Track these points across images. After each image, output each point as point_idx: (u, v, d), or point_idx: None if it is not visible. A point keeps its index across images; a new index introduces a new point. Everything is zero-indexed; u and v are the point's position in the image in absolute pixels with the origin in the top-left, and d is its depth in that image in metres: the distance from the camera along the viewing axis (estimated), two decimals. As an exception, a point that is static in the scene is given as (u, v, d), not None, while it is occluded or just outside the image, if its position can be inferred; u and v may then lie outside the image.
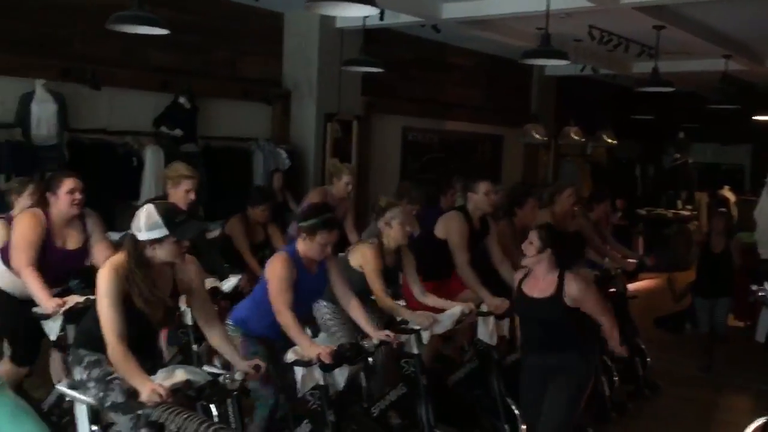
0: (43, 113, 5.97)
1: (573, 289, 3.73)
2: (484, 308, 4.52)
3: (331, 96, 8.20)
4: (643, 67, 9.60)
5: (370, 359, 3.87)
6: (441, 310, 4.25)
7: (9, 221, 4.16)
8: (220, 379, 3.04)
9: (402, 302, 4.41)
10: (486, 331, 4.52)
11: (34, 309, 3.66)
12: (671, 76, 8.47)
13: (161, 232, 2.93)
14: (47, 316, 3.61)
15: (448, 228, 4.87)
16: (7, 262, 3.91)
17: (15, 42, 6.09)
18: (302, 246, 3.68)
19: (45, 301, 3.57)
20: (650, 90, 8.55)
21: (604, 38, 8.10)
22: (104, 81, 6.41)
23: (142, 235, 2.95)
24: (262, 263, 4.55)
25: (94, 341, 2.99)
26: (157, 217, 2.93)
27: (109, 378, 3.01)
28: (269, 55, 8.20)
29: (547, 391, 3.76)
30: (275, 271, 3.61)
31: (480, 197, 4.90)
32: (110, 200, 6.23)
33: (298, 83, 8.26)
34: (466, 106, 10.63)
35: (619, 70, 10.28)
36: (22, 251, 3.70)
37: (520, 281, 3.94)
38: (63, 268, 3.91)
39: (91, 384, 3.05)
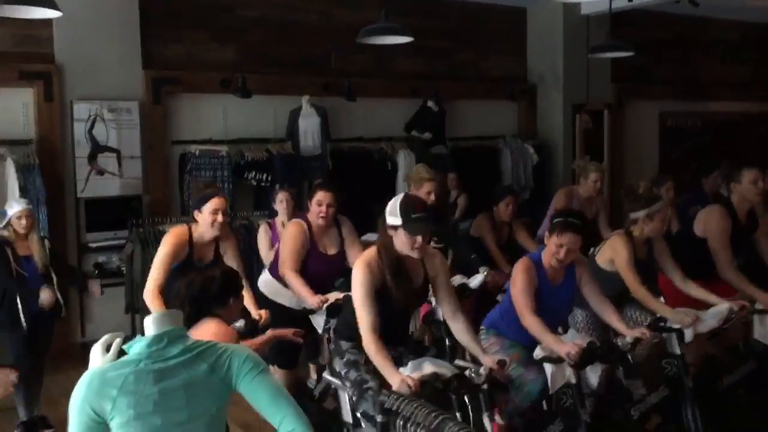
0: (309, 126, 6.61)
1: None
2: (759, 306, 4.07)
3: (578, 86, 7.94)
4: None
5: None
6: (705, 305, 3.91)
7: (270, 226, 4.90)
8: (466, 372, 3.08)
9: (661, 299, 4.12)
10: (764, 331, 4.08)
11: (303, 305, 4.02)
12: None
13: (396, 220, 3.10)
14: (313, 311, 3.97)
15: (707, 225, 4.43)
16: (272, 271, 4.34)
17: (284, 64, 6.80)
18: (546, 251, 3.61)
19: (309, 298, 3.91)
20: None
21: None
22: (359, 92, 6.91)
23: (388, 219, 3.14)
24: (510, 263, 4.53)
25: (353, 332, 3.22)
26: (397, 206, 3.11)
27: (365, 387, 3.20)
28: (512, 52, 8.18)
29: None
30: (514, 278, 3.60)
31: (745, 187, 4.37)
32: (368, 203, 6.66)
33: (544, 76, 8.13)
34: (733, 83, 9.62)
35: None
36: (287, 258, 4.11)
37: None
38: (327, 272, 4.24)
39: (348, 384, 3.31)
